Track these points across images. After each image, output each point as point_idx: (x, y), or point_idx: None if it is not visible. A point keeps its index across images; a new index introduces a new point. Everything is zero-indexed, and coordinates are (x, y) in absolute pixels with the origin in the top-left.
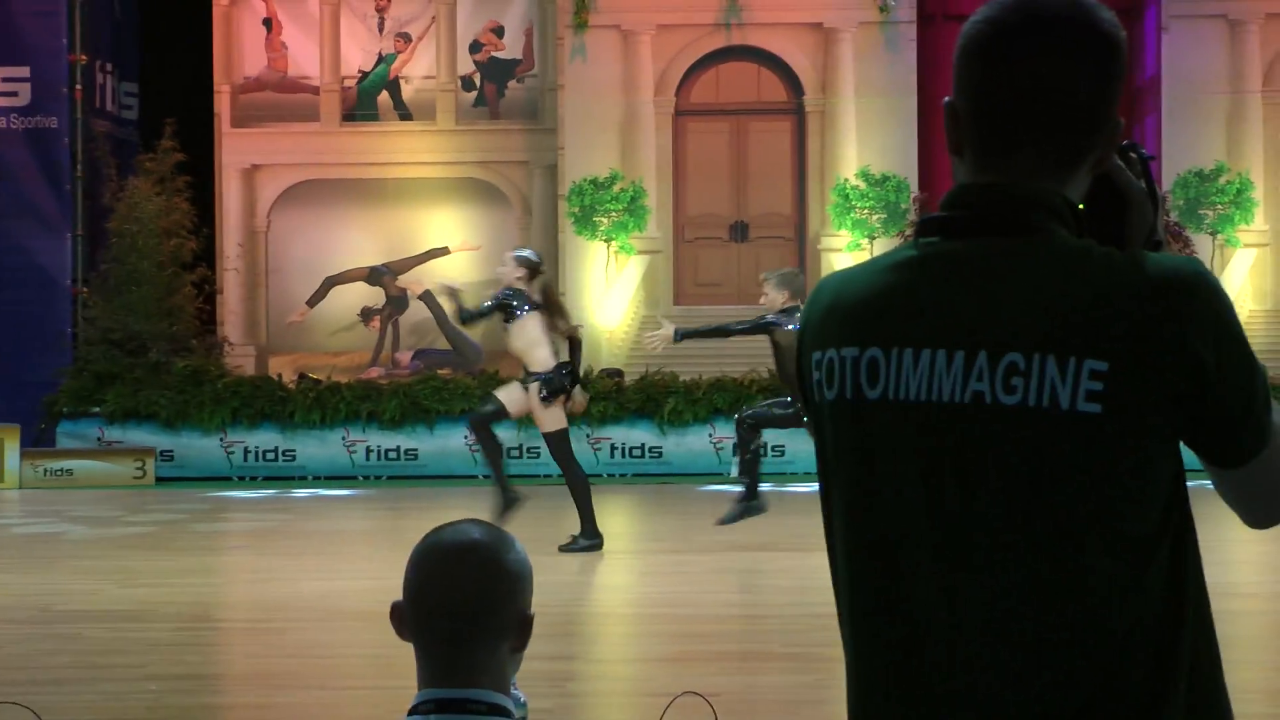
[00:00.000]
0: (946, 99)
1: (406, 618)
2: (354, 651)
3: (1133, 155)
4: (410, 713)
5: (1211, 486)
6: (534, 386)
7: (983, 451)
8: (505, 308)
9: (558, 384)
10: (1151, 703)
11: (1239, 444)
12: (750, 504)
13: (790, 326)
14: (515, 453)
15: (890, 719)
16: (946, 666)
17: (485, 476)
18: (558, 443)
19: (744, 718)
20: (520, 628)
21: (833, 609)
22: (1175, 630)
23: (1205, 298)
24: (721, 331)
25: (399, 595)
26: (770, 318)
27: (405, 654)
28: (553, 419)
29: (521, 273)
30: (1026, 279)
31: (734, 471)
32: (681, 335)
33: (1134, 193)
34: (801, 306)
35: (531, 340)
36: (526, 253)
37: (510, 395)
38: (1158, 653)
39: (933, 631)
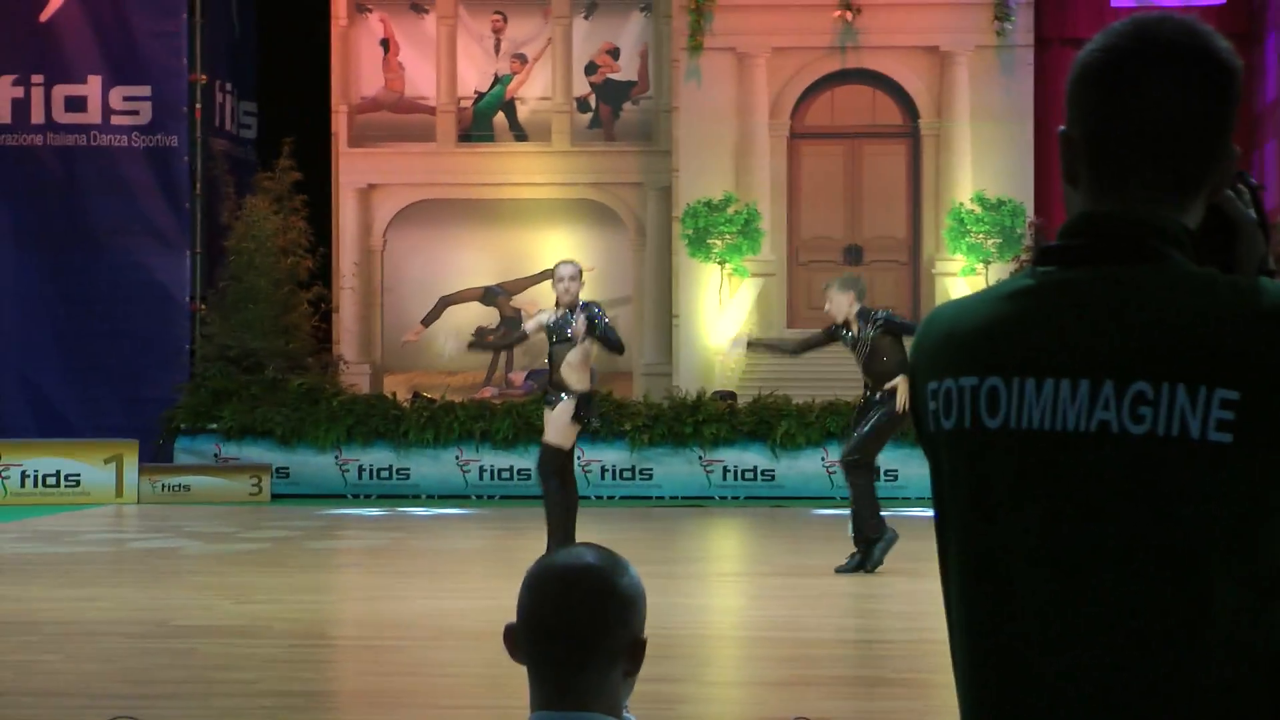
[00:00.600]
0: (1061, 128)
1: (519, 640)
2: (466, 670)
3: (1242, 185)
4: None
5: None
6: (568, 403)
7: (1109, 481)
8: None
9: (594, 410)
10: None
11: None
12: (867, 555)
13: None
14: (628, 474)
15: None
16: (1061, 695)
17: (603, 497)
18: (555, 458)
19: None
20: (633, 652)
21: (945, 635)
22: None
23: None
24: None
25: (511, 615)
26: (885, 314)
27: (517, 674)
28: (566, 436)
29: (581, 284)
30: (1151, 307)
31: (850, 530)
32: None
33: (1245, 223)
34: (868, 307)
35: (584, 358)
36: (575, 262)
37: (547, 423)
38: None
39: (1047, 657)
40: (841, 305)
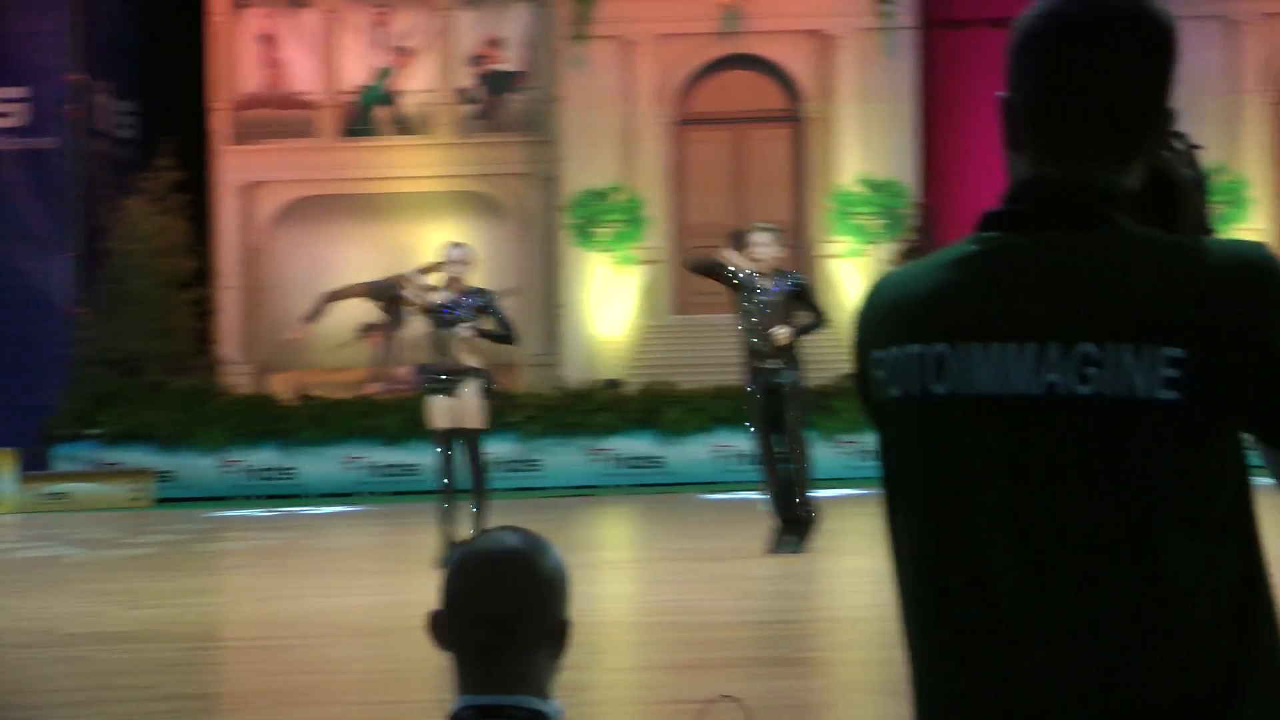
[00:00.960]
0: (1001, 93)
1: (445, 627)
2: (365, 667)
3: (1179, 144)
4: None
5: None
6: (477, 384)
7: (1058, 442)
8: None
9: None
10: (1231, 686)
11: None
12: (803, 532)
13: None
14: (517, 465)
15: (966, 713)
16: (1026, 655)
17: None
18: (480, 441)
19: None
20: (557, 635)
21: (836, 614)
22: (1250, 614)
23: (1277, 281)
24: (817, 325)
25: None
26: (802, 278)
27: (416, 669)
28: (486, 416)
29: (470, 266)
30: (1096, 269)
31: (774, 508)
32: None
33: (1183, 183)
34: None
35: (474, 338)
36: (464, 245)
37: (447, 411)
38: (1236, 636)
39: (1011, 622)
40: (772, 254)
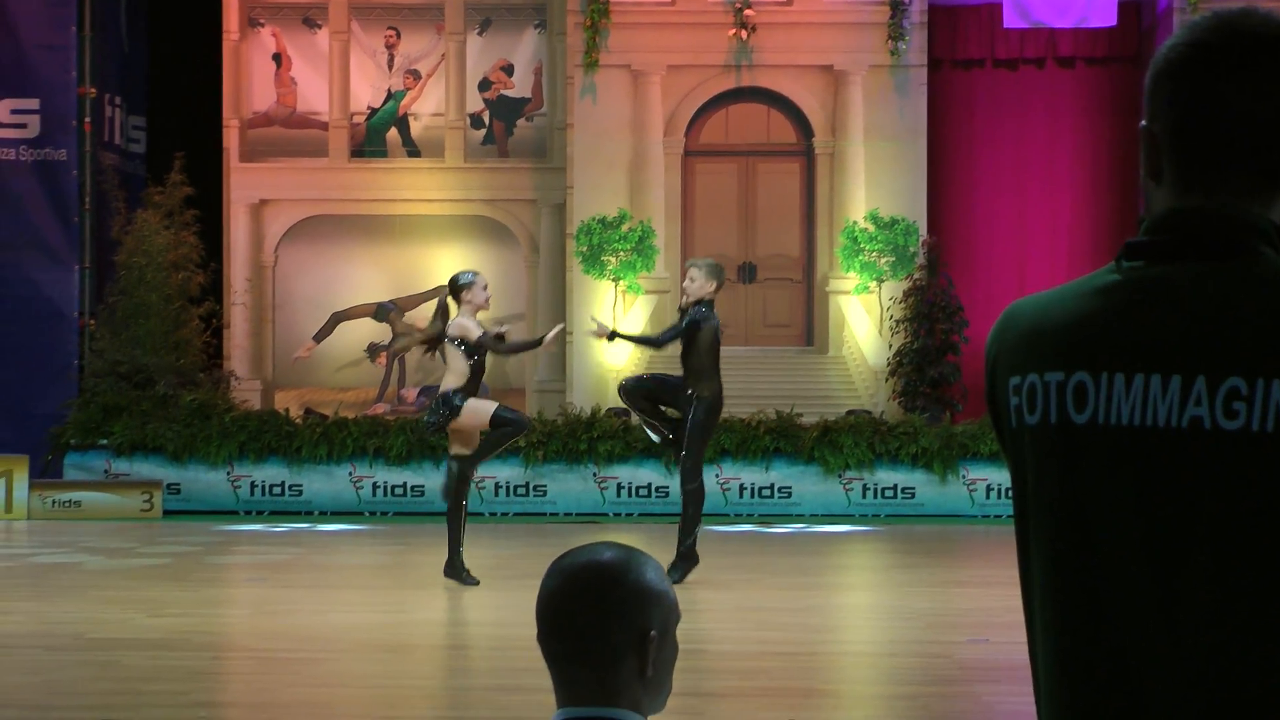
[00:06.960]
0: (1143, 124)
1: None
2: (396, 683)
3: None
4: None
5: None
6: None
7: (1202, 478)
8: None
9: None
10: None
11: None
12: (668, 439)
13: (713, 322)
14: (522, 490)
15: None
16: (1166, 695)
17: (496, 514)
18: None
19: None
20: (640, 648)
21: (857, 648)
22: None
23: None
24: (651, 342)
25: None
26: (696, 316)
27: (448, 687)
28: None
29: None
30: (1243, 303)
31: (655, 438)
32: (614, 336)
33: None
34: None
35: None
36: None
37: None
38: None
39: (1150, 662)
40: (705, 290)
